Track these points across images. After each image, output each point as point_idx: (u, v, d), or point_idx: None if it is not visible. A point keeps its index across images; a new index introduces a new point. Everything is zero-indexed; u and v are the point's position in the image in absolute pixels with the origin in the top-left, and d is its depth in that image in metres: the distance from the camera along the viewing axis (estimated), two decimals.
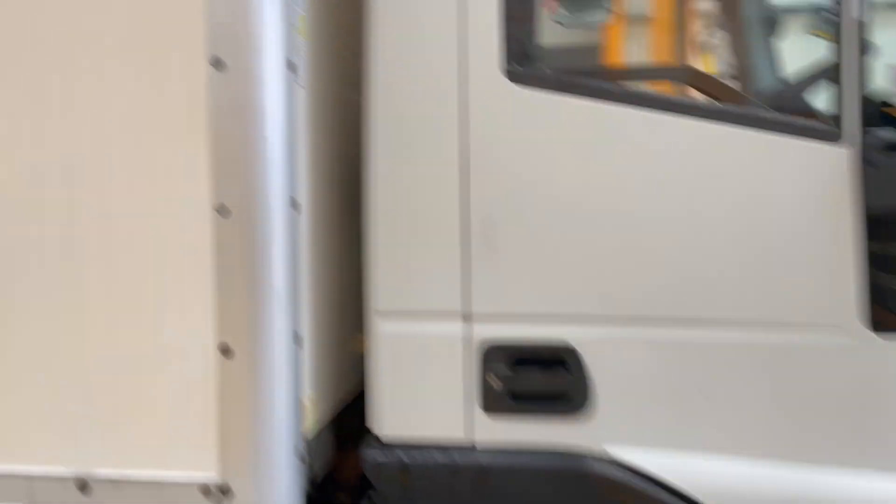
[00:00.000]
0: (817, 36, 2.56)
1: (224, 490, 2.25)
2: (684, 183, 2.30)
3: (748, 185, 2.28)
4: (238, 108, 2.21)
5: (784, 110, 2.39)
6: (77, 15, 2.27)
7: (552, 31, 2.74)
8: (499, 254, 2.34)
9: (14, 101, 2.32)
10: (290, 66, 2.26)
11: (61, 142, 2.29)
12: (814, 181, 2.24)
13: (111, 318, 2.29)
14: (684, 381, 2.31)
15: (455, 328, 2.36)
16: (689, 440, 2.31)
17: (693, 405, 2.31)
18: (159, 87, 2.24)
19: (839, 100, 2.23)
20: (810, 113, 2.56)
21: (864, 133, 2.22)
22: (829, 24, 2.24)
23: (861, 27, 2.20)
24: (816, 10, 2.81)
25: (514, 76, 2.32)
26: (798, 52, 3.36)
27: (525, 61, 2.35)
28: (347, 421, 2.61)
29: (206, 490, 2.26)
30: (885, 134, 2.21)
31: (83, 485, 2.31)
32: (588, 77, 2.42)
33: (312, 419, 2.38)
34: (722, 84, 3.27)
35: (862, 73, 2.20)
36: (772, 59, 3.46)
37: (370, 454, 2.39)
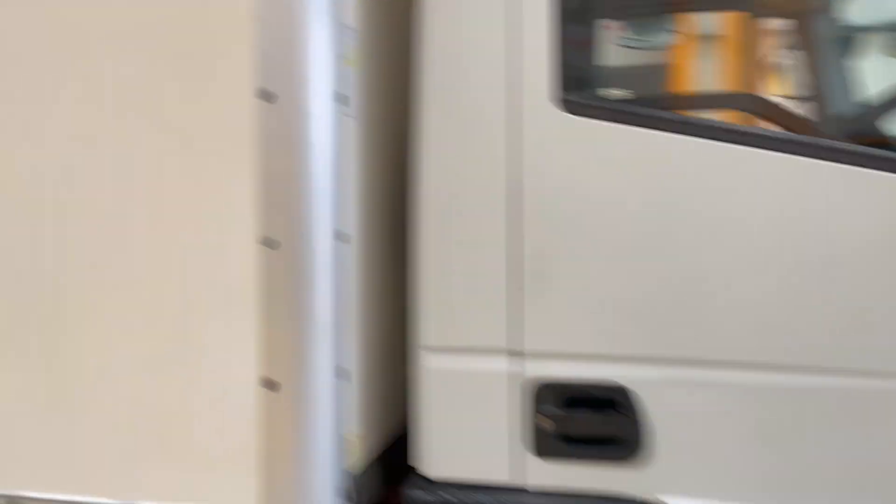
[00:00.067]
0: None
1: None
2: (760, 221, 2.16)
3: (830, 223, 2.13)
4: (286, 139, 2.18)
5: (859, 138, 2.26)
6: (122, 44, 2.28)
7: (607, 57, 2.66)
8: (552, 290, 2.26)
9: (62, 136, 2.34)
10: (339, 98, 2.22)
11: (113, 176, 2.31)
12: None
13: (155, 350, 2.29)
14: (750, 428, 2.18)
15: (505, 365, 2.29)
16: (750, 490, 2.19)
17: (759, 453, 2.18)
18: (205, 118, 2.23)
19: None
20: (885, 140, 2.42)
21: None
22: None
23: None
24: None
25: (568, 106, 2.23)
26: (876, 74, 3.22)
27: (581, 89, 2.26)
28: (398, 455, 2.56)
29: None
30: None
31: None
32: (647, 106, 2.33)
33: (359, 454, 2.34)
34: (792, 113, 3.13)
35: None
36: (847, 82, 3.31)
37: (414, 494, 2.34)
